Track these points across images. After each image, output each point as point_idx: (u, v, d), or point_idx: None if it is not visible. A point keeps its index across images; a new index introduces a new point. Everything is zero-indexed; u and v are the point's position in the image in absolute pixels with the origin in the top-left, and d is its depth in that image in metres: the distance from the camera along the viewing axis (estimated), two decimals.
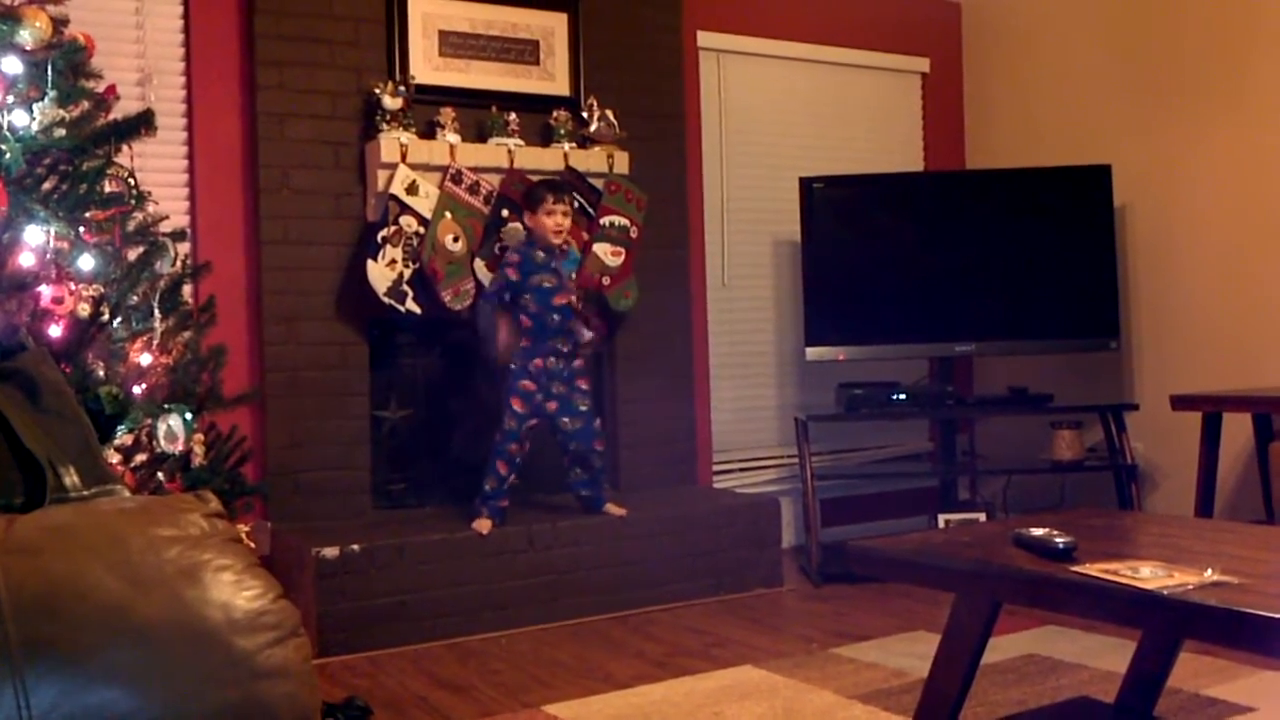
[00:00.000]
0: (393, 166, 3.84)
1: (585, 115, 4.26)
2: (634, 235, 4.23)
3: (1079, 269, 4.55)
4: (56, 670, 1.30)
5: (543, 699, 2.95)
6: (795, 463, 4.74)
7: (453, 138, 3.97)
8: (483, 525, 3.67)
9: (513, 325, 3.79)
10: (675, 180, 4.54)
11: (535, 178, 4.01)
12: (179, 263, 2.84)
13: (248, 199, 3.88)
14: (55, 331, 2.33)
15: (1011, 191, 4.70)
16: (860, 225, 4.73)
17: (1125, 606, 1.74)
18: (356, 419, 3.94)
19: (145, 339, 2.61)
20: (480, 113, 4.10)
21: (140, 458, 2.54)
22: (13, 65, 2.40)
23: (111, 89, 2.69)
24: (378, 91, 3.88)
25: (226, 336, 3.24)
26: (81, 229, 2.48)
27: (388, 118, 3.86)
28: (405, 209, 3.85)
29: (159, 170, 3.68)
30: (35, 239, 2.35)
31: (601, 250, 4.18)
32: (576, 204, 4.07)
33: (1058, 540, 1.95)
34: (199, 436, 2.71)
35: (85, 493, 1.63)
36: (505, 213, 4.01)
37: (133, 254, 2.66)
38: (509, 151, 4.05)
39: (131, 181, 2.68)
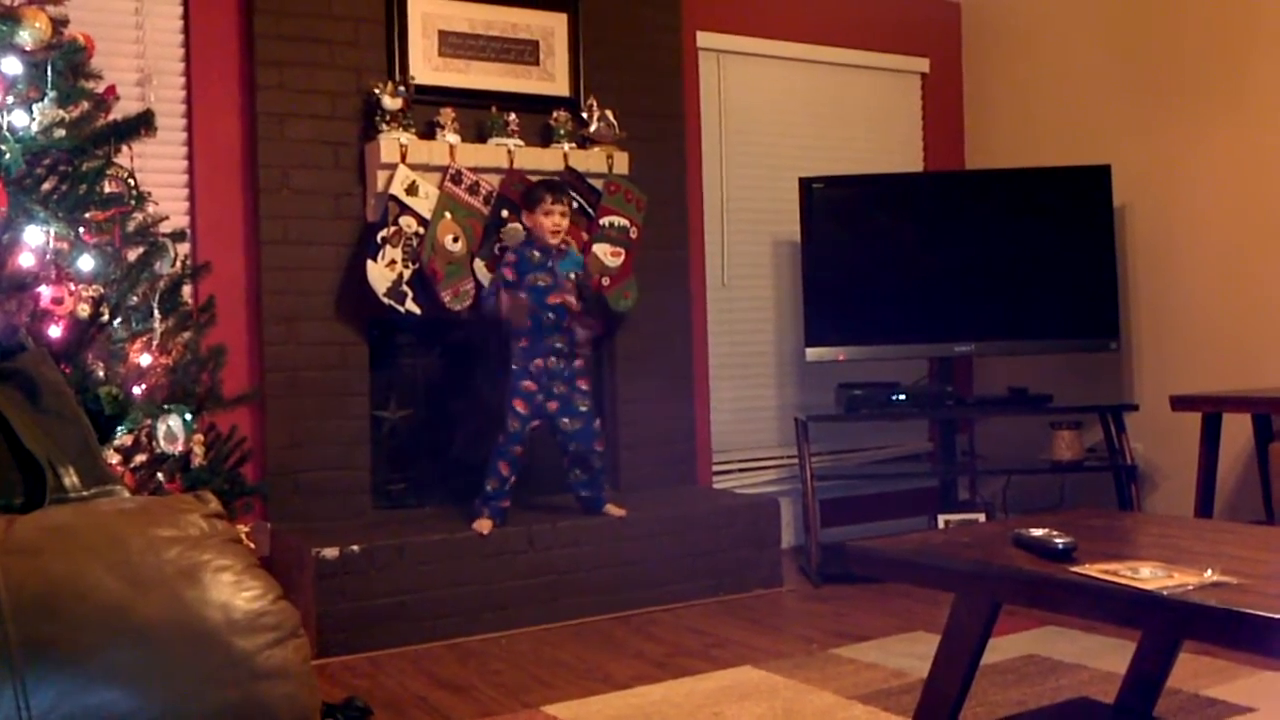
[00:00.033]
0: (392, 167, 3.84)
1: (585, 115, 4.26)
2: (634, 236, 4.23)
3: (1079, 269, 4.55)
4: (56, 670, 1.30)
5: (543, 699, 2.95)
6: (795, 463, 4.74)
7: (452, 138, 3.97)
8: (483, 525, 3.67)
9: (511, 300, 3.75)
10: (675, 181, 4.54)
11: (535, 178, 4.01)
12: (179, 263, 2.84)
13: (247, 199, 3.88)
14: (55, 332, 2.33)
15: (1011, 192, 4.70)
16: (860, 225, 4.73)
17: (1125, 607, 1.74)
18: (356, 419, 3.94)
19: (145, 339, 2.61)
20: (480, 113, 4.10)
21: (140, 458, 2.54)
22: (12, 66, 2.40)
23: (111, 89, 2.69)
24: (377, 92, 3.88)
25: (226, 337, 3.24)
26: (81, 229, 2.48)
27: (387, 118, 3.86)
28: (405, 209, 3.85)
29: (159, 171, 3.68)
30: (35, 239, 2.35)
31: (601, 251, 4.18)
32: (576, 204, 4.07)
33: (1057, 541, 1.95)
34: (199, 437, 2.71)
35: (85, 493, 1.63)
36: (505, 213, 4.01)
37: (132, 254, 2.66)
38: (509, 152, 4.05)
39: (131, 182, 2.68)
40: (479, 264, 3.96)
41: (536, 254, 3.79)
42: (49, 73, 2.45)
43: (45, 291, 2.33)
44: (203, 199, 3.83)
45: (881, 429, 5.17)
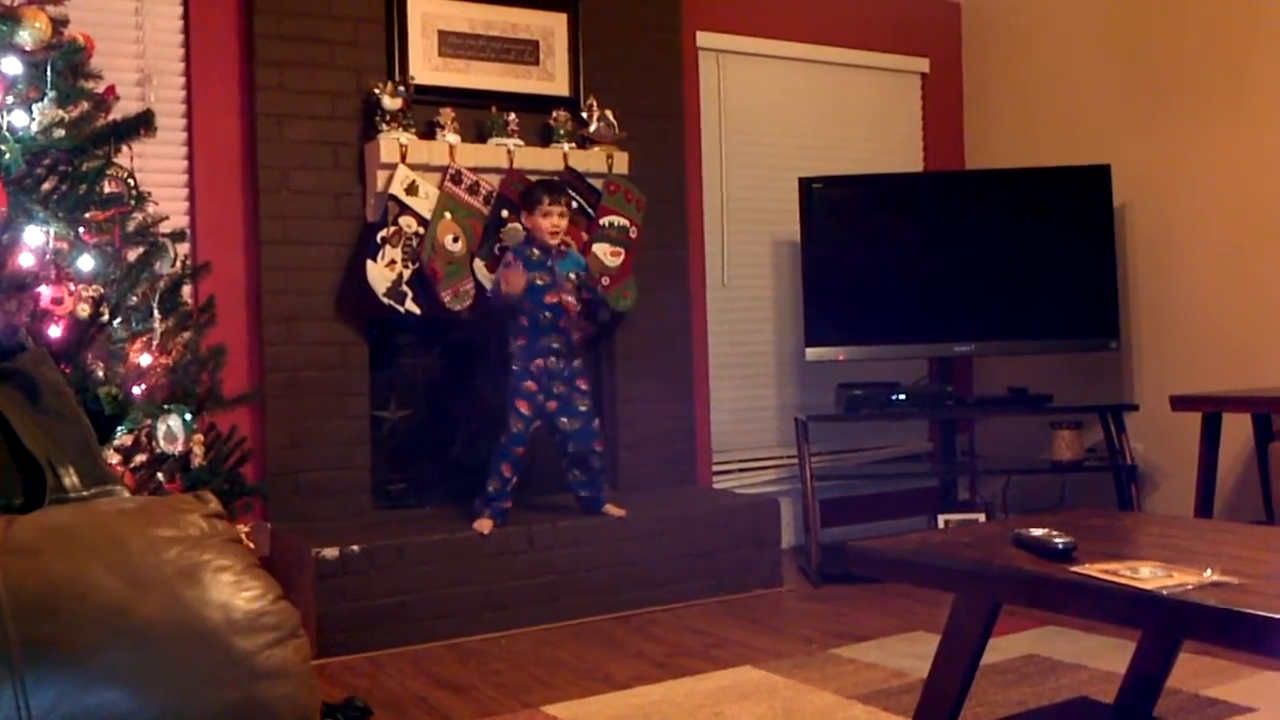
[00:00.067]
0: (392, 167, 3.84)
1: (585, 115, 4.26)
2: (633, 235, 4.23)
3: (1078, 269, 4.55)
4: (56, 671, 1.30)
5: (543, 699, 2.95)
6: (795, 463, 4.74)
7: (452, 138, 3.97)
8: (483, 525, 3.67)
9: (507, 268, 3.72)
10: (675, 180, 4.54)
11: (535, 178, 4.01)
12: (178, 263, 2.84)
13: (247, 199, 3.88)
14: (55, 332, 2.33)
15: (1011, 191, 4.70)
16: (860, 225, 4.73)
17: (1125, 607, 1.74)
18: (356, 419, 3.94)
19: (145, 339, 2.61)
20: (480, 113, 4.10)
21: (140, 458, 2.54)
22: (12, 66, 2.40)
23: (111, 89, 2.69)
24: (377, 92, 3.88)
25: (226, 337, 3.24)
26: (81, 229, 2.48)
27: (387, 118, 3.86)
28: (405, 209, 3.85)
29: (159, 171, 3.68)
30: (35, 240, 2.35)
31: (601, 250, 4.18)
32: (576, 204, 4.07)
33: (1057, 541, 1.95)
34: (198, 437, 2.71)
35: (85, 493, 1.63)
36: (505, 213, 4.01)
37: (132, 254, 2.66)
38: (508, 152, 4.05)
39: (131, 182, 2.68)
40: (479, 264, 3.96)
41: (535, 253, 3.79)
42: (49, 73, 2.45)
43: (45, 291, 2.33)
44: (203, 199, 3.83)
45: (881, 429, 5.17)
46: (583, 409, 3.85)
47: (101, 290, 2.49)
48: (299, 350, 3.85)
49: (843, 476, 4.94)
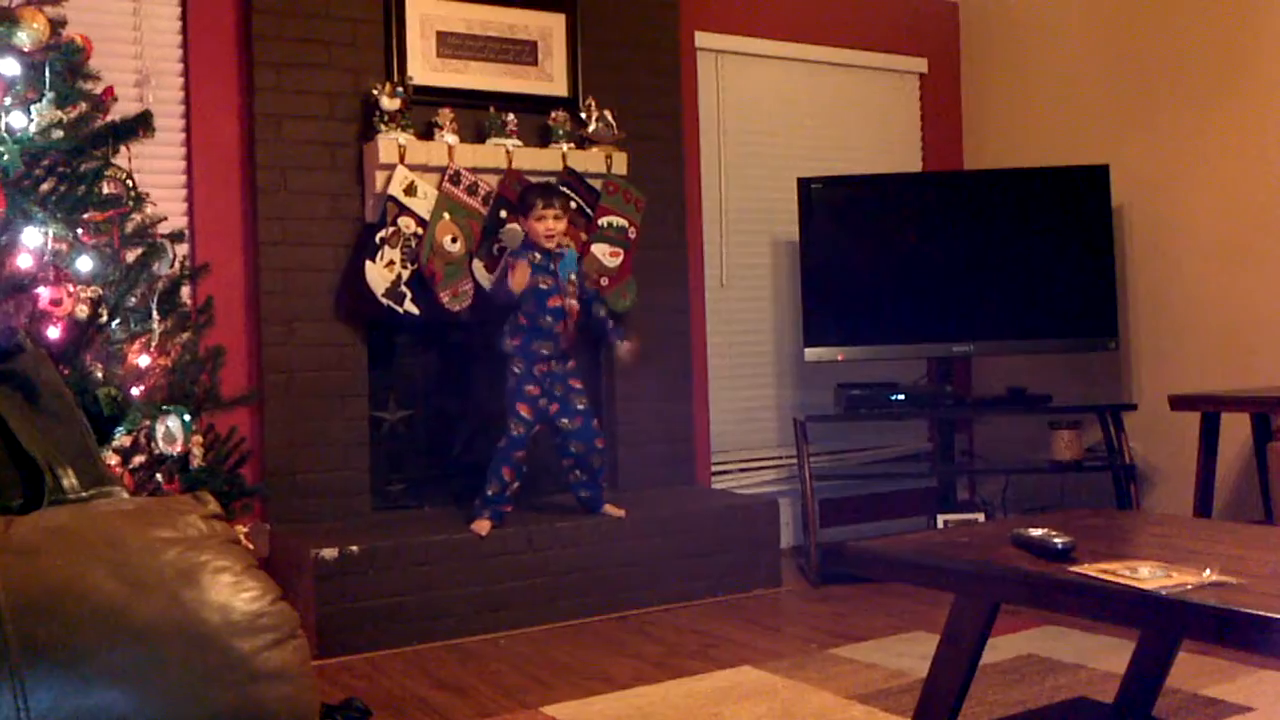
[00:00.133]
0: (391, 167, 3.84)
1: (583, 116, 4.26)
2: (632, 236, 4.23)
3: (1077, 269, 4.55)
4: (55, 672, 1.30)
5: (542, 700, 2.95)
6: (794, 463, 4.74)
7: (451, 138, 3.97)
8: (482, 526, 3.67)
9: (514, 262, 3.73)
10: (673, 181, 4.54)
11: (534, 178, 4.01)
12: (177, 264, 2.84)
13: (246, 200, 3.88)
14: (54, 333, 2.33)
15: (1009, 192, 4.70)
16: (858, 226, 4.73)
17: (1124, 607, 1.74)
18: (355, 420, 3.94)
19: (144, 340, 2.61)
20: (478, 113, 4.10)
21: (139, 459, 2.54)
22: (10, 67, 2.40)
23: (109, 90, 2.69)
24: (376, 92, 3.88)
25: (225, 338, 3.24)
26: (80, 230, 2.48)
27: (386, 119, 3.86)
28: (403, 210, 3.85)
29: (157, 171, 3.68)
30: (33, 241, 2.35)
31: (600, 251, 4.18)
32: (575, 205, 4.07)
33: (1056, 541, 1.95)
34: (197, 438, 2.70)
35: (84, 494, 1.63)
36: (503, 213, 4.01)
37: (131, 255, 2.66)
38: (507, 152, 4.05)
39: (130, 183, 2.68)
40: (477, 264, 3.96)
41: (538, 256, 3.79)
42: (47, 74, 2.45)
43: (44, 293, 2.32)
44: (201, 200, 3.83)
45: (880, 429, 5.17)
46: (581, 408, 3.86)
47: (100, 291, 2.49)
48: (298, 351, 3.85)
49: (842, 476, 4.94)
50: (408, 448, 4.15)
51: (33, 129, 2.41)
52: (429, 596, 3.55)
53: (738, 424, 4.90)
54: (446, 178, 3.91)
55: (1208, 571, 1.75)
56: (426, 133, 3.96)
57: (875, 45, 5.24)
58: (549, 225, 3.77)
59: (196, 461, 2.69)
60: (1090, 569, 1.81)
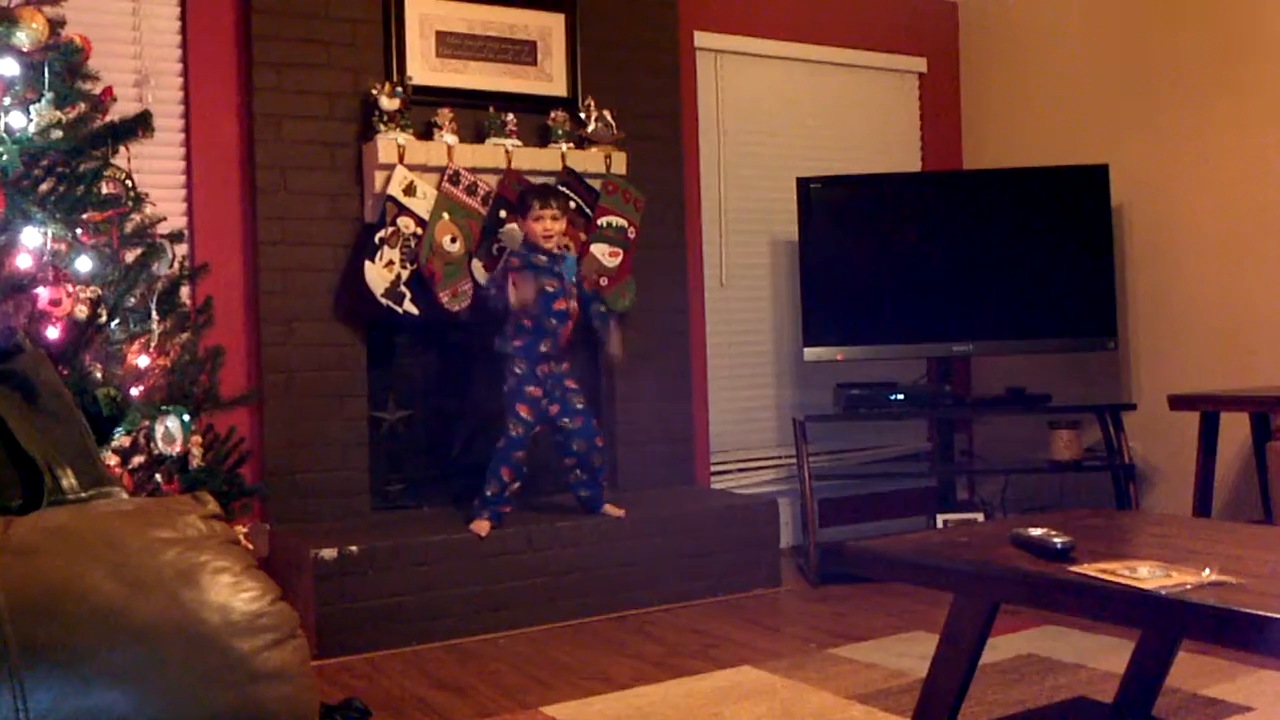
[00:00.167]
0: (390, 167, 3.84)
1: (583, 115, 4.26)
2: (632, 236, 4.23)
3: (1076, 269, 4.55)
4: (54, 672, 1.30)
5: (541, 700, 2.95)
6: (793, 463, 4.74)
7: (450, 138, 3.97)
8: (481, 526, 3.67)
9: (523, 281, 3.72)
10: (673, 181, 4.54)
11: (533, 178, 4.01)
12: (176, 264, 2.83)
13: (245, 200, 3.88)
14: (53, 333, 2.33)
15: (1008, 191, 4.70)
16: (858, 225, 4.73)
17: (1123, 606, 1.74)
18: (354, 420, 3.94)
19: (143, 340, 2.61)
20: (478, 113, 4.10)
21: (138, 459, 2.54)
22: (9, 67, 2.40)
23: (108, 90, 2.69)
24: (375, 92, 3.88)
25: (224, 338, 3.24)
26: (79, 231, 2.48)
27: (385, 119, 3.86)
28: (403, 210, 3.84)
29: (156, 172, 3.68)
30: (32, 241, 2.35)
31: (599, 251, 4.17)
32: (574, 205, 4.07)
33: (1056, 540, 1.95)
34: (197, 438, 2.70)
35: (83, 495, 1.63)
36: (503, 213, 4.01)
37: (130, 255, 2.66)
38: (506, 152, 4.04)
39: (129, 183, 2.68)
40: (477, 264, 3.96)
41: (543, 258, 3.79)
42: (46, 74, 2.45)
43: (43, 293, 2.32)
44: (200, 200, 3.83)
45: (880, 429, 5.17)
46: (580, 407, 3.86)
47: (99, 291, 2.49)
48: (297, 351, 3.85)
49: (841, 476, 4.94)
50: (407, 448, 4.15)
51: (32, 129, 2.41)
52: (428, 597, 3.55)
53: (737, 424, 4.90)
54: (446, 178, 3.91)
55: (1207, 571, 1.75)
56: (426, 133, 3.96)
57: (875, 45, 5.24)
58: (547, 226, 3.77)
59: (196, 462, 2.69)
60: (1090, 569, 1.81)
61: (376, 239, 3.82)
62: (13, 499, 1.60)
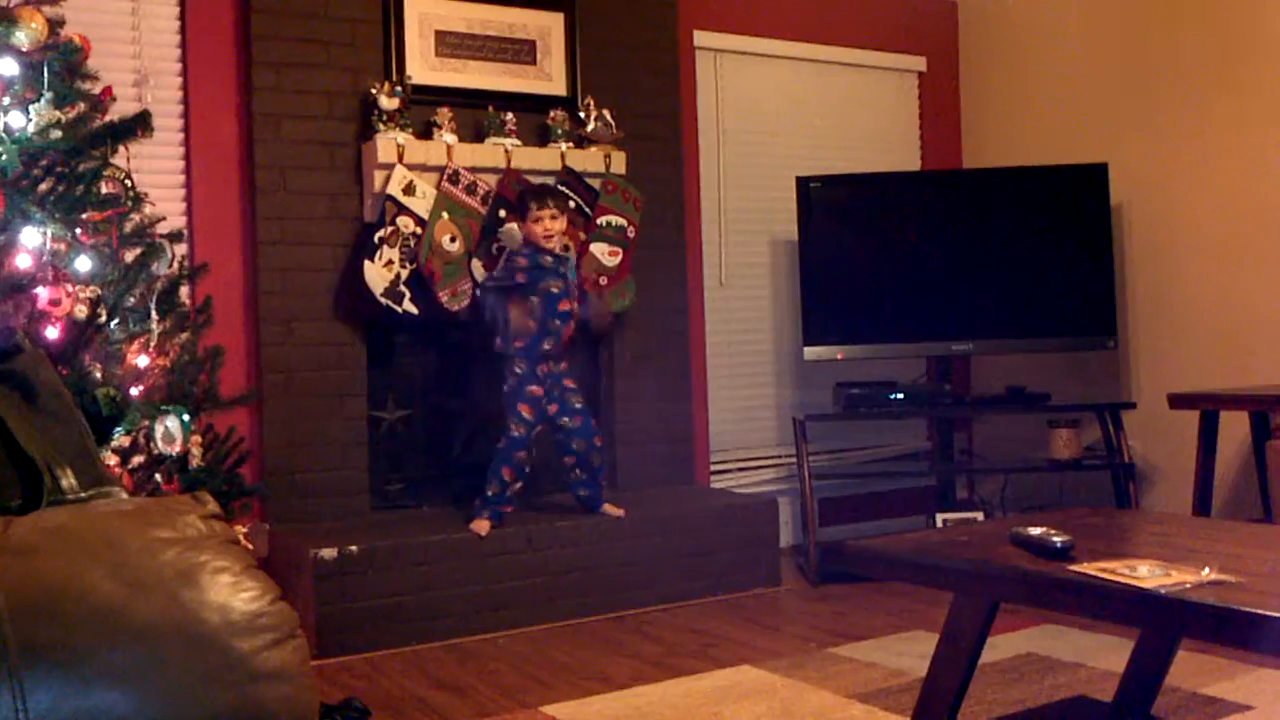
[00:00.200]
0: (390, 167, 3.84)
1: (582, 115, 4.25)
2: (631, 235, 4.23)
3: (1076, 268, 4.55)
4: (54, 672, 1.30)
5: (541, 699, 2.95)
6: (793, 462, 4.74)
7: (450, 138, 3.97)
8: (481, 526, 3.66)
9: (521, 306, 3.76)
10: (672, 180, 4.54)
11: (532, 178, 4.01)
12: (176, 264, 2.83)
13: (244, 200, 3.88)
14: (52, 333, 2.33)
15: (1008, 190, 4.70)
16: (857, 225, 4.73)
17: (1123, 605, 1.75)
18: (354, 420, 3.94)
19: (142, 340, 2.61)
20: (477, 113, 4.10)
21: (138, 459, 2.54)
22: (8, 67, 2.40)
23: (108, 90, 2.69)
24: (374, 92, 3.88)
25: (224, 337, 3.24)
26: (78, 230, 2.48)
27: (384, 118, 3.86)
28: (402, 209, 3.84)
29: (156, 171, 3.68)
30: (32, 241, 2.35)
31: (599, 250, 4.17)
32: (573, 204, 4.07)
33: (1055, 539, 1.95)
34: (196, 438, 2.70)
35: (82, 495, 1.63)
36: (502, 213, 4.01)
37: (130, 255, 2.66)
38: (506, 151, 4.04)
39: (128, 183, 2.68)
40: (476, 264, 3.96)
41: (548, 259, 3.79)
42: (45, 73, 2.45)
43: (42, 293, 2.32)
44: (200, 200, 3.83)
45: (879, 428, 5.18)
46: (579, 406, 3.86)
47: (99, 291, 2.49)
48: (296, 351, 3.85)
49: (841, 475, 4.94)
50: (407, 447, 4.15)
51: (31, 129, 2.41)
52: (428, 596, 3.55)
53: (737, 423, 4.91)
54: (445, 177, 3.91)
55: (1206, 570, 1.75)
56: (425, 132, 3.96)
57: (874, 44, 5.24)
58: (547, 226, 3.77)
59: (195, 461, 2.69)
60: (1089, 568, 1.81)
61: (376, 238, 3.82)
62: (12, 499, 1.60)
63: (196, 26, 3.83)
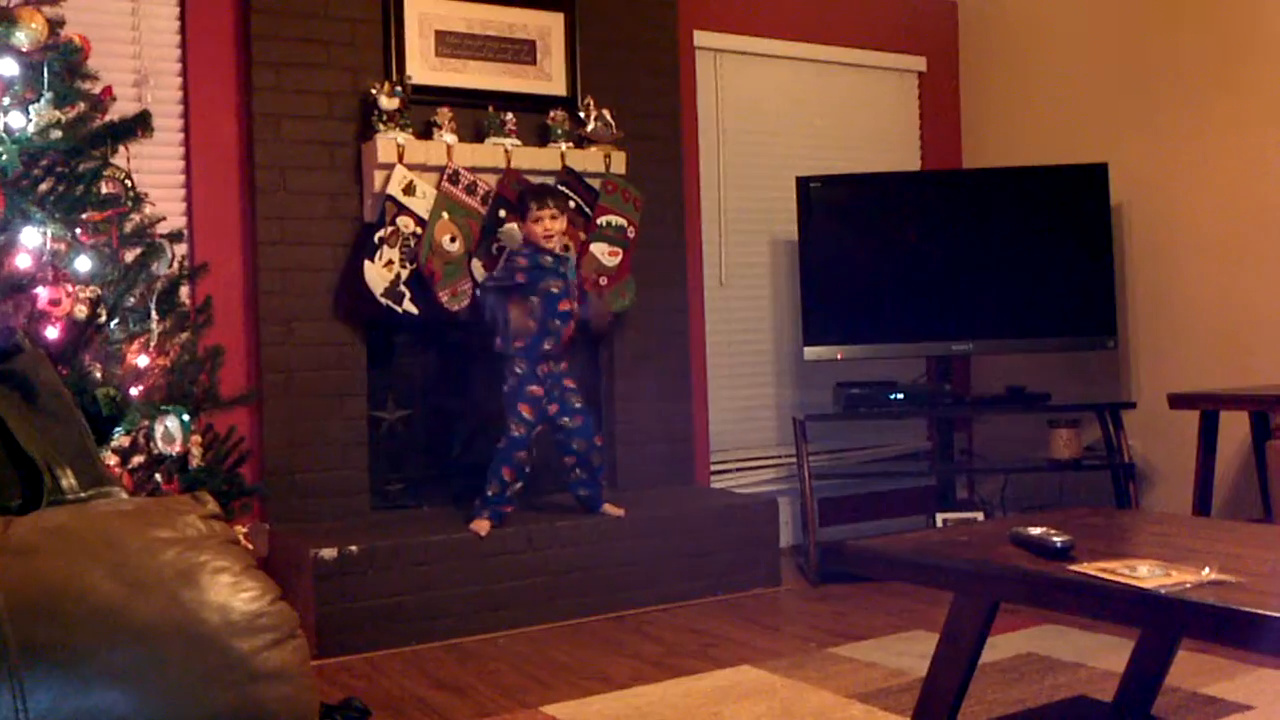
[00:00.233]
0: (390, 167, 3.84)
1: (582, 115, 4.25)
2: (631, 235, 4.23)
3: (1076, 268, 4.55)
4: (54, 672, 1.30)
5: (541, 699, 2.95)
6: (793, 462, 4.74)
7: (450, 138, 3.97)
8: (481, 526, 3.66)
9: (521, 306, 3.76)
10: (672, 180, 4.54)
11: (532, 178, 4.01)
12: (176, 264, 2.83)
13: (244, 200, 3.88)
14: (52, 333, 2.33)
15: (1008, 190, 4.70)
16: (857, 224, 4.73)
17: (1123, 605, 1.75)
18: (354, 419, 3.94)
19: (142, 340, 2.61)
20: (477, 113, 4.10)
21: (138, 459, 2.54)
22: (9, 67, 2.40)
23: (108, 90, 2.69)
24: (374, 92, 3.88)
25: (223, 337, 3.24)
26: (78, 230, 2.48)
27: (384, 118, 3.86)
28: (402, 209, 3.84)
29: (156, 171, 3.68)
30: (32, 241, 2.35)
31: (599, 250, 4.17)
32: (573, 204, 4.07)
33: (1055, 539, 1.95)
34: (196, 438, 2.70)
35: (82, 495, 1.63)
36: (502, 213, 4.01)
37: (130, 255, 2.66)
38: (506, 151, 4.04)
39: (128, 183, 2.68)
40: (476, 264, 3.96)
41: (548, 259, 3.79)
42: (45, 74, 2.45)
43: (42, 293, 2.32)
44: (200, 200, 3.83)
45: (879, 428, 5.18)
46: (579, 405, 3.86)
47: (99, 291, 2.49)
48: (296, 351, 3.85)
49: (841, 475, 4.94)
50: (407, 447, 4.15)
51: (31, 129, 2.41)
52: (428, 596, 3.55)
53: (737, 423, 4.91)
54: (445, 177, 3.91)
55: (1206, 570, 1.75)
56: (425, 132, 3.96)
57: (874, 44, 5.24)
58: (547, 226, 3.77)
59: (195, 461, 2.69)
60: (1089, 568, 1.81)
61: (376, 238, 3.82)
62: (12, 499, 1.60)
63: (196, 26, 3.83)
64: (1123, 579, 1.74)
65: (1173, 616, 1.70)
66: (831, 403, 4.70)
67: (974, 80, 5.44)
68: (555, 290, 3.78)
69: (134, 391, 2.49)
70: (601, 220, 4.19)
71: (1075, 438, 4.54)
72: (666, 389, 4.48)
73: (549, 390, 3.81)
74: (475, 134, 4.09)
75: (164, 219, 2.92)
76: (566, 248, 3.92)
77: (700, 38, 4.79)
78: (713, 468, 4.80)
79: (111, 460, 2.42)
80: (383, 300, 3.80)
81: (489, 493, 3.72)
